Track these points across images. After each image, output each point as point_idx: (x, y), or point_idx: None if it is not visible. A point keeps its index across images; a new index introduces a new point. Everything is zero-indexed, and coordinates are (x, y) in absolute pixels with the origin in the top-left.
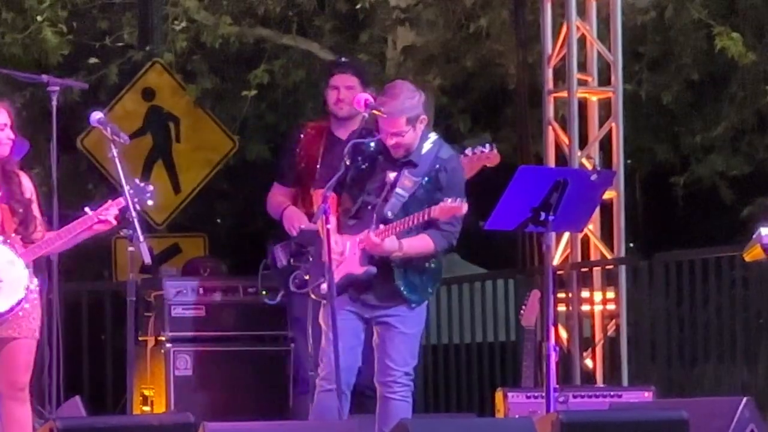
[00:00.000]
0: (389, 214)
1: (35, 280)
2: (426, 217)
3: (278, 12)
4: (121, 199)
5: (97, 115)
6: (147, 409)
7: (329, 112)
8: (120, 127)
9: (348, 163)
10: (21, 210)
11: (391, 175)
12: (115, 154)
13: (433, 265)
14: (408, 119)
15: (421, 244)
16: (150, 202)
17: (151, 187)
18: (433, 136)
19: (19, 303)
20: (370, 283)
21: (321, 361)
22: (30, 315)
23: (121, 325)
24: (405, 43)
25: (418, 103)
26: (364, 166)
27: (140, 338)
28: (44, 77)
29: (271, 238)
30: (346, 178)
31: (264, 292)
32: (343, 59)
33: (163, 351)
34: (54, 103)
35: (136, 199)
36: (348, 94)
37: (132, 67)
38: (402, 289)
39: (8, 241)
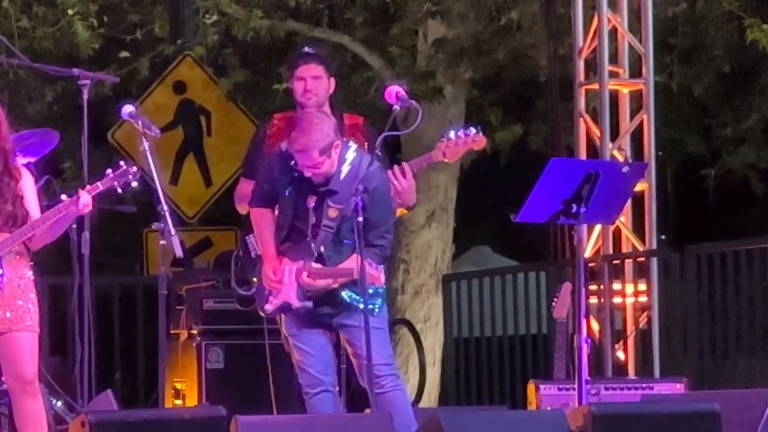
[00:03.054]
0: (321, 248)
1: (27, 273)
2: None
3: (309, 5)
4: (98, 184)
5: (128, 109)
6: (179, 402)
7: (296, 104)
8: (151, 120)
9: (276, 175)
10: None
11: (312, 202)
12: (147, 147)
13: None
14: (321, 151)
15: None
16: (134, 184)
17: (134, 169)
18: (350, 156)
19: None
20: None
21: (299, 371)
22: (22, 308)
23: (152, 318)
24: (436, 35)
25: (329, 131)
26: (290, 187)
27: (172, 331)
28: (75, 71)
29: (243, 229)
30: (276, 192)
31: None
32: (307, 49)
33: (194, 344)
34: (85, 96)
35: (120, 182)
36: (315, 84)
37: (163, 60)
38: (360, 304)
39: None
